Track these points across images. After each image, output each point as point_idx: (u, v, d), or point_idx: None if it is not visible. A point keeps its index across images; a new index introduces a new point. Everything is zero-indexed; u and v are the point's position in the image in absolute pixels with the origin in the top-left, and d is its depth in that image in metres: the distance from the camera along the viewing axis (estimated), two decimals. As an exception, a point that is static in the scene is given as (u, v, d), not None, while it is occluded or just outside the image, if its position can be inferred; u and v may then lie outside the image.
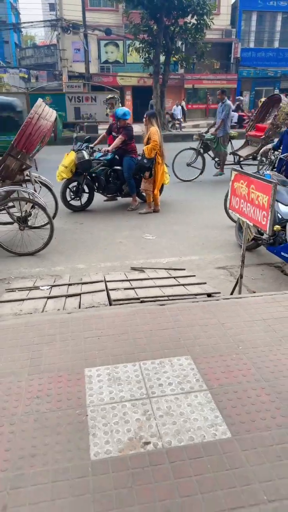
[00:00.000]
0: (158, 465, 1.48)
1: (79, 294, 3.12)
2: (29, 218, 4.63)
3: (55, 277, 3.82)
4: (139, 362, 2.09)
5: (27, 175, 4.51)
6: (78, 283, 3.39)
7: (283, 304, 2.71)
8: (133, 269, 4.00)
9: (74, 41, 24.12)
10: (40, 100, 4.39)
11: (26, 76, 30.21)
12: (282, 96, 8.76)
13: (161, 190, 6.45)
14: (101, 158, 6.12)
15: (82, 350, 2.21)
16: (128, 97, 25.51)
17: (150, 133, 5.90)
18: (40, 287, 3.33)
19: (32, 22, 26.67)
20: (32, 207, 4.54)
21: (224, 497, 1.35)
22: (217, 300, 2.87)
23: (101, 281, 3.40)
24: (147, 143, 5.92)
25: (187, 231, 5.31)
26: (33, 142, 4.10)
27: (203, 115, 26.79)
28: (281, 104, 8.26)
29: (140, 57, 16.87)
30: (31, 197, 4.41)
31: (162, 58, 16.39)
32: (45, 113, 4.18)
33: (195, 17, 14.99)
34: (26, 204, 4.47)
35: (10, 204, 4.61)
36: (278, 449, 1.54)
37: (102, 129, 14.22)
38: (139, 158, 6.19)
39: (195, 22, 15.16)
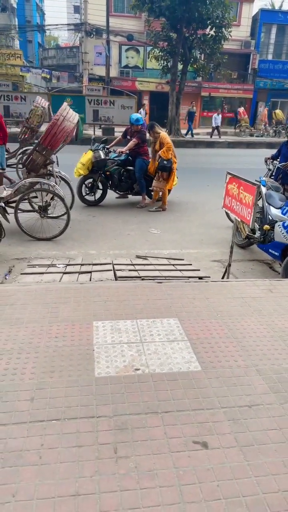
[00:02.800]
0: (144, 382, 2.00)
1: (90, 272, 3.66)
2: (48, 208, 5.20)
3: (69, 259, 4.37)
4: (136, 320, 2.61)
5: (49, 170, 5.09)
6: (89, 264, 3.94)
7: (261, 288, 3.22)
8: (138, 257, 4.52)
9: (97, 45, 24.84)
10: (65, 103, 4.96)
11: (48, 76, 31.08)
12: (38, 97, 8.04)
13: (169, 191, 6.98)
14: (115, 158, 6.68)
15: (91, 309, 2.74)
16: (146, 101, 26.13)
17: (161, 137, 6.46)
18: (57, 265, 3.89)
19: (57, 24, 27.58)
20: (52, 198, 5.11)
21: (189, 403, 1.87)
22: (206, 282, 3.39)
23: (109, 263, 3.94)
24: (160, 148, 6.46)
25: (189, 228, 5.84)
26: (57, 141, 4.67)
27: (218, 122, 27.22)
28: (32, 107, 7.73)
29: (158, 64, 17.49)
30: (51, 189, 4.97)
31: (180, 66, 16.98)
32: (69, 115, 4.75)
33: (213, 29, 15.54)
34: (47, 195, 5.04)
35: (33, 194, 5.19)
36: (234, 379, 2.06)
37: (118, 131, 14.81)
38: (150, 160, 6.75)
39: (214, 34, 15.72)
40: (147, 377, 2.04)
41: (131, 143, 6.58)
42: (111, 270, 3.72)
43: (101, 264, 3.91)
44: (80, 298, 2.91)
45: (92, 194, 6.79)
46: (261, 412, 1.83)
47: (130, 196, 7.16)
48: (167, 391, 1.95)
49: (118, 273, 3.58)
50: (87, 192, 6.76)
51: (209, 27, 15.53)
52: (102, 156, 6.40)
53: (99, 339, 2.36)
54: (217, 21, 14.98)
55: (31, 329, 2.46)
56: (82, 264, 3.91)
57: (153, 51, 17.37)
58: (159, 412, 1.80)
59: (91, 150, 6.56)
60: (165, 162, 6.44)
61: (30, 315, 2.63)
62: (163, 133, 6.53)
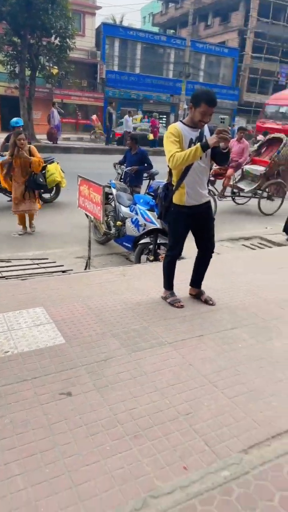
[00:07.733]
0: (14, 360, 2.27)
1: None
2: None
3: None
4: (2, 313, 2.82)
5: None
6: None
7: (115, 274, 3.75)
8: (0, 260, 4.61)
9: None
10: None
11: None
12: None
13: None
14: None
15: None
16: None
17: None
18: None
19: None
20: None
21: (55, 367, 2.22)
22: (69, 274, 3.76)
23: (-29, 269, 3.96)
24: None
25: (52, 229, 6.10)
26: None
27: (73, 129, 27.80)
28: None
29: (5, 69, 17.03)
30: None
31: (28, 72, 16.86)
32: None
33: (58, 38, 15.94)
34: None
35: None
36: (93, 344, 2.49)
37: None
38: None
39: (59, 43, 16.12)
40: (16, 356, 2.31)
41: None
42: (-26, 275, 3.77)
43: None
44: None
45: None
46: (114, 362, 2.30)
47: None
48: (35, 363, 2.26)
49: (-19, 277, 3.67)
50: None
51: (54, 36, 15.86)
52: None
53: None
54: (61, 31, 15.42)
55: None
56: None
57: (-3, 54, 16.82)
58: (29, 379, 2.11)
59: None
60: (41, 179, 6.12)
61: None
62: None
